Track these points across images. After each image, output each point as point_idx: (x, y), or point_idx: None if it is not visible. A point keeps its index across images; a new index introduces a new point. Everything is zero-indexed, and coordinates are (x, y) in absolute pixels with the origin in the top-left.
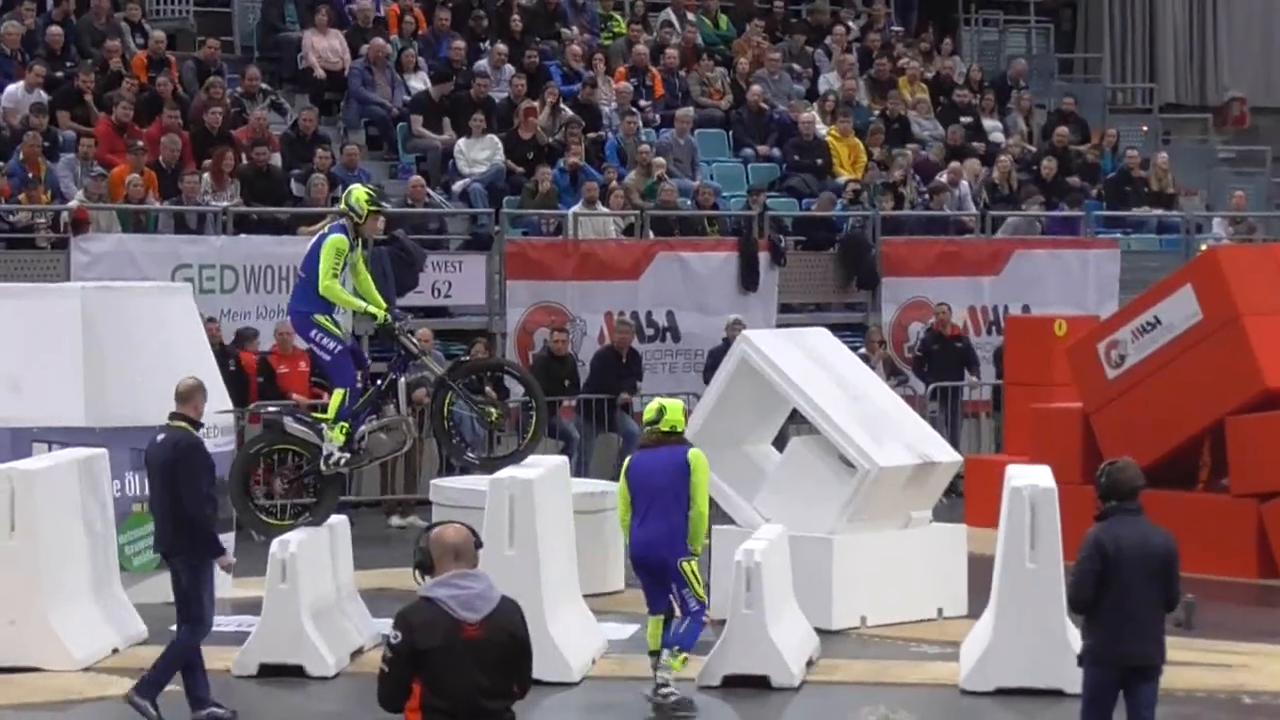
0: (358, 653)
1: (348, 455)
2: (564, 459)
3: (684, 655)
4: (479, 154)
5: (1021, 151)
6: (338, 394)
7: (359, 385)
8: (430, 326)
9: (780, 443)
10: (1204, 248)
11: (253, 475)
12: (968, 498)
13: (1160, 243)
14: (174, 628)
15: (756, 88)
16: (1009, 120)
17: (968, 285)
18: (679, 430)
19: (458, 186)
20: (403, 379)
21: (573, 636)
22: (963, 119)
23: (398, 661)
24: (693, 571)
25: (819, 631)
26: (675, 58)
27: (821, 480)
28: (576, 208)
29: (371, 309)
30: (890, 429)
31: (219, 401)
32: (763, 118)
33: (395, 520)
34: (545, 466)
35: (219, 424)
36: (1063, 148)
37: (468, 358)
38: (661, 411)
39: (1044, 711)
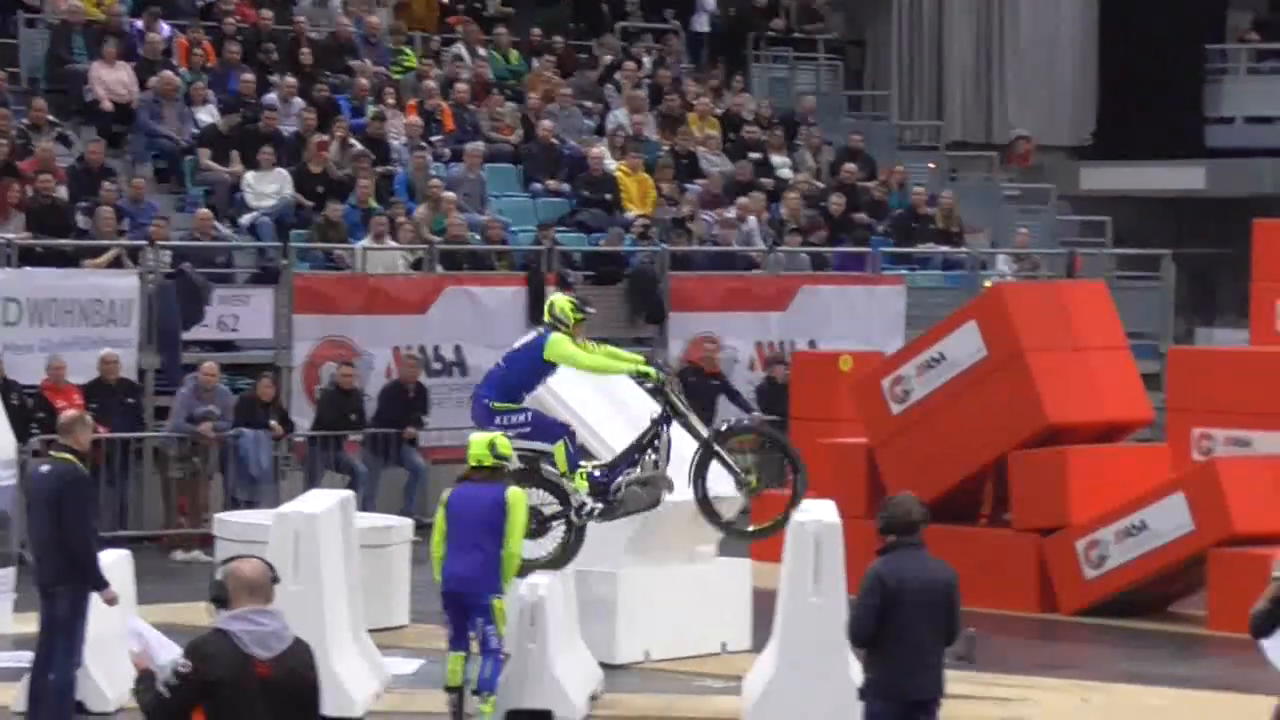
0: None
1: (601, 505)
2: (349, 493)
3: (492, 698)
4: (267, 187)
5: (810, 188)
6: (558, 448)
7: (571, 430)
8: (217, 360)
9: None
10: (988, 284)
11: None
12: None
13: (946, 279)
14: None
15: (547, 123)
16: (797, 156)
17: (755, 320)
18: (485, 464)
19: (245, 220)
20: (668, 433)
21: (356, 671)
22: (752, 155)
23: (181, 690)
24: (501, 610)
25: (603, 666)
26: (465, 92)
27: None
28: (365, 241)
29: (643, 368)
30: (676, 464)
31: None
32: (552, 153)
33: (179, 555)
34: (330, 500)
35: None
36: (851, 184)
37: (731, 422)
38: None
39: None
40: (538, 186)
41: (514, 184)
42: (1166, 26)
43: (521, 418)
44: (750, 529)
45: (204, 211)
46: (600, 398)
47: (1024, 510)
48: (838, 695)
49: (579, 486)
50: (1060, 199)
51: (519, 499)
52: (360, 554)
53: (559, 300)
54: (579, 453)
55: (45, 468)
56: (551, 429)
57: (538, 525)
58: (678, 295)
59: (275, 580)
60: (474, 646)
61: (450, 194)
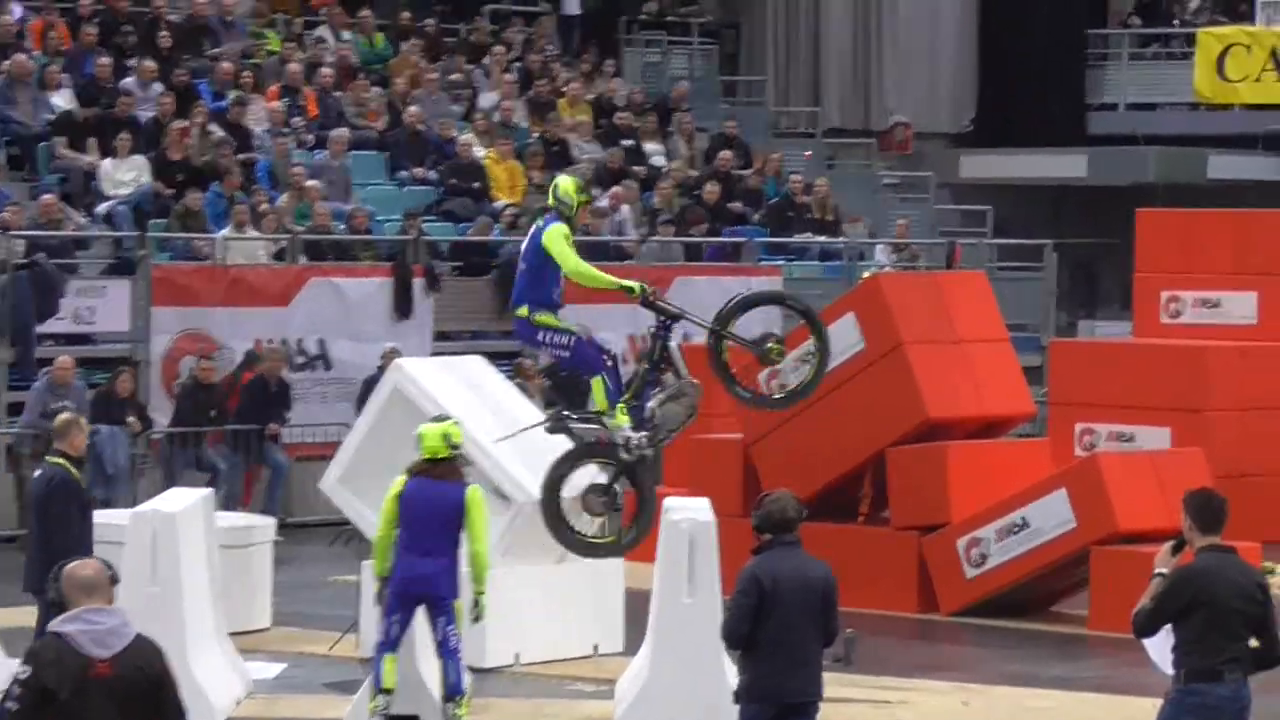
0: None
1: (644, 434)
2: (210, 491)
3: (467, 701)
4: (124, 175)
5: (684, 176)
6: (596, 382)
7: (610, 363)
8: (72, 354)
9: None
10: (866, 275)
11: (561, 501)
12: None
13: (823, 270)
14: None
15: (413, 109)
16: (671, 144)
17: (628, 313)
18: (440, 456)
19: (102, 209)
20: (674, 342)
21: (216, 676)
22: (624, 142)
23: (25, 698)
24: (460, 610)
25: (472, 669)
26: (330, 77)
27: None
28: (226, 231)
29: (626, 283)
30: (547, 461)
31: None
32: (419, 140)
33: None
34: (190, 499)
35: None
36: (725, 172)
37: (729, 302)
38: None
39: None
40: (404, 174)
41: (380, 172)
42: (1048, 11)
43: (565, 339)
44: (778, 397)
45: (48, 197)
46: (467, 391)
47: (903, 507)
48: (712, 698)
49: (620, 422)
50: (940, 187)
51: (478, 499)
52: (220, 554)
53: (563, 181)
54: (618, 386)
55: (38, 472)
56: (593, 360)
57: (608, 500)
58: None
59: (114, 580)
60: (432, 645)
61: (314, 182)
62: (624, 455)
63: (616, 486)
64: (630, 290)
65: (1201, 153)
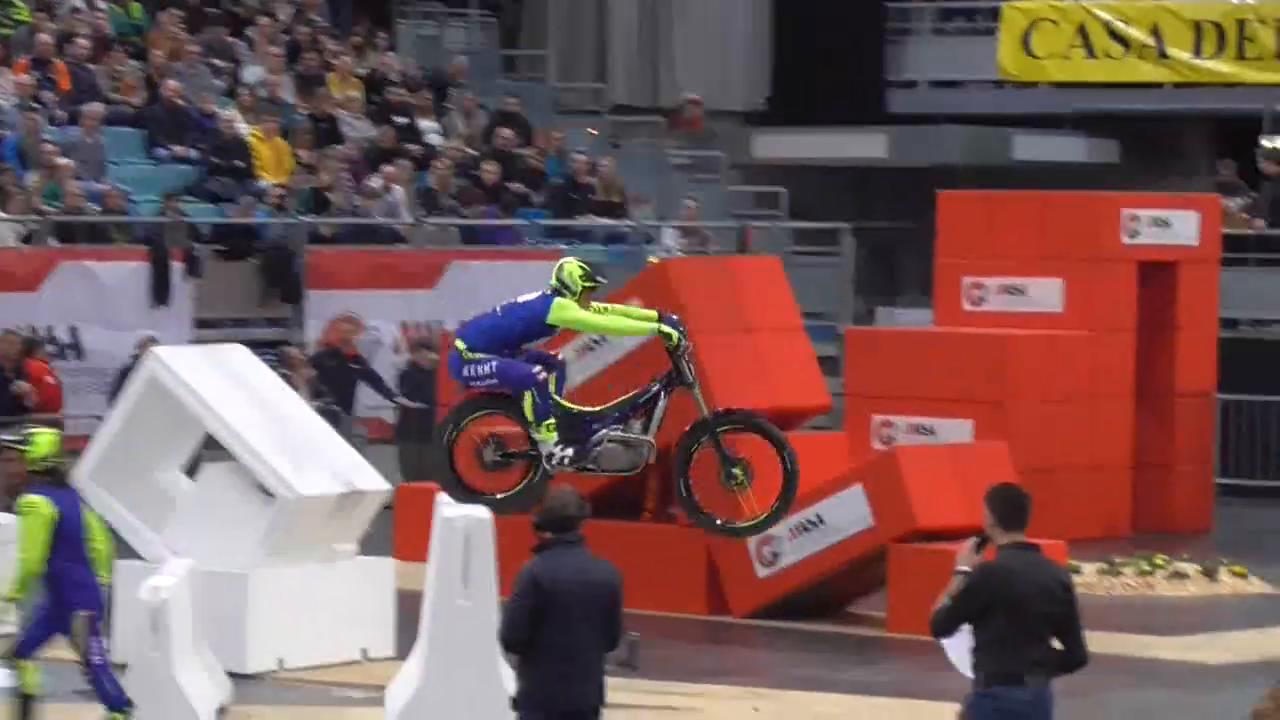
0: None
1: (571, 454)
2: None
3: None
4: None
5: (461, 155)
6: (527, 398)
7: (541, 376)
8: None
9: (195, 469)
10: (652, 260)
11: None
12: (397, 528)
13: (608, 254)
14: None
15: (172, 82)
16: (447, 121)
17: (400, 299)
18: (47, 463)
19: None
20: (664, 402)
21: None
22: (397, 119)
23: None
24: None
25: (232, 676)
26: (84, 48)
27: (237, 510)
28: None
29: (664, 329)
30: (314, 455)
31: None
32: (179, 115)
33: None
34: None
35: None
36: (505, 151)
37: (742, 409)
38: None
39: None
40: (162, 152)
41: (136, 149)
42: None
43: (486, 369)
44: (720, 523)
45: None
46: (228, 382)
47: None
48: (489, 705)
49: (546, 436)
50: (732, 168)
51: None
52: None
53: (568, 264)
54: (547, 403)
55: None
56: (520, 378)
57: (501, 457)
58: (315, 271)
59: None
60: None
61: (66, 160)
62: (545, 466)
63: (514, 460)
64: (668, 338)
65: (1006, 133)
